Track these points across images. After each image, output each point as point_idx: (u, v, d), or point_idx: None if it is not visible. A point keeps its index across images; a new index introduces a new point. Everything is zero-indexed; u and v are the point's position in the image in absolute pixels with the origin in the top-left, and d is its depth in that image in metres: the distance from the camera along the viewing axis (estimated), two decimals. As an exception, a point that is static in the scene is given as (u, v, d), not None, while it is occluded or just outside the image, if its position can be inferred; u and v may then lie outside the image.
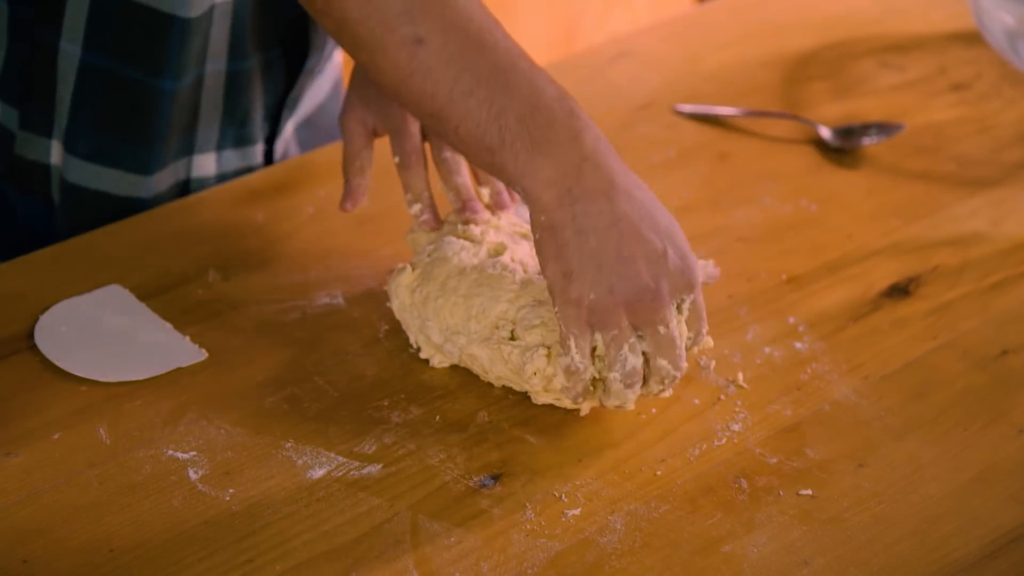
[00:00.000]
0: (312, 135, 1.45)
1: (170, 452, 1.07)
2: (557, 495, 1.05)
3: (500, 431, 1.10)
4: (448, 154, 1.19)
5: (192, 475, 1.05)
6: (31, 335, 1.15)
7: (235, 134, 1.35)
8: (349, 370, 1.14)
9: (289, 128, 1.41)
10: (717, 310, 1.21)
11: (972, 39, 1.56)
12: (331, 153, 1.35)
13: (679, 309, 1.06)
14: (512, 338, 1.10)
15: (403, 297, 1.14)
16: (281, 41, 1.33)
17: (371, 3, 1.05)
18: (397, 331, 1.17)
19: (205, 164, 1.34)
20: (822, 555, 1.01)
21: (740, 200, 1.34)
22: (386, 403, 1.12)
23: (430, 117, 1.07)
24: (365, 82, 1.20)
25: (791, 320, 1.20)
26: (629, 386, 1.05)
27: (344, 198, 1.21)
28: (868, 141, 1.41)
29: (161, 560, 1.00)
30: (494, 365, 1.10)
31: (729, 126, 1.44)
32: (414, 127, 1.19)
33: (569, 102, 1.05)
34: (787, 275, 1.25)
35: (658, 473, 1.07)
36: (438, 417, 1.11)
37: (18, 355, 1.14)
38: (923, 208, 1.34)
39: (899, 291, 1.24)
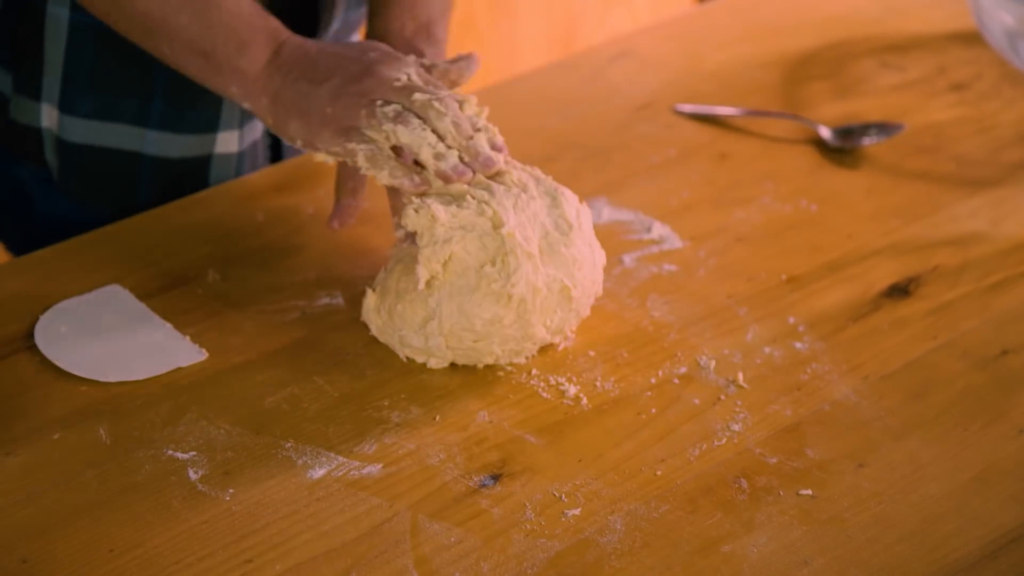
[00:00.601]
0: None
1: (170, 452, 1.07)
2: (557, 495, 1.05)
3: (500, 431, 1.10)
4: None
5: (192, 475, 1.05)
6: (31, 335, 1.15)
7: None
8: (349, 370, 1.14)
9: None
10: (717, 310, 1.21)
11: (972, 39, 1.56)
12: (331, 153, 1.35)
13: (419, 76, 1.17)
14: None
15: (374, 320, 1.15)
16: (291, 19, 1.34)
17: None
18: (397, 331, 1.17)
19: (228, 141, 1.35)
20: (822, 555, 1.01)
21: (740, 200, 1.33)
22: (386, 403, 1.12)
23: (144, 34, 1.20)
24: None
25: (791, 320, 1.20)
26: (398, 119, 1.13)
27: (332, 216, 1.23)
28: (868, 141, 1.40)
29: (161, 560, 1.00)
30: (469, 316, 1.10)
31: (729, 126, 1.44)
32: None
33: (270, 20, 1.19)
34: (787, 275, 1.25)
35: (658, 473, 1.07)
36: (438, 417, 1.11)
37: (18, 355, 1.14)
38: (923, 208, 1.34)
39: (899, 291, 1.24)
